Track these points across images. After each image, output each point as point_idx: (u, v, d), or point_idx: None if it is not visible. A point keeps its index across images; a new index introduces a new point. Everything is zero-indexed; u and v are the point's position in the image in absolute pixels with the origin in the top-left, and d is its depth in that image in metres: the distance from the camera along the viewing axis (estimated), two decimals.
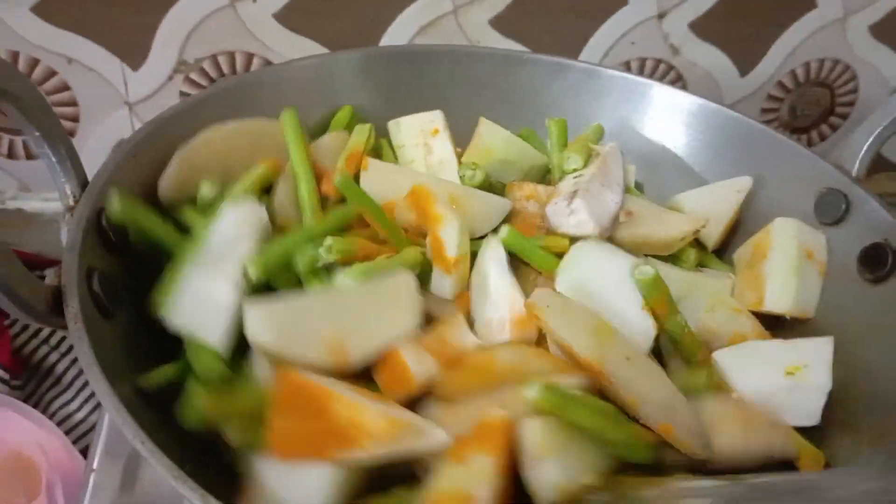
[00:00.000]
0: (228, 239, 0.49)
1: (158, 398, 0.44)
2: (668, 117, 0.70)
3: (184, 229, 0.53)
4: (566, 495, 0.41)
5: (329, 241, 0.50)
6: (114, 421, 0.36)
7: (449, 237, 0.53)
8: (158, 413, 0.42)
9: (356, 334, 0.46)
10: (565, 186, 0.59)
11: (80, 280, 0.44)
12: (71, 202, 0.49)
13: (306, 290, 0.50)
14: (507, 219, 0.60)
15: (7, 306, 0.39)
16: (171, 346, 0.48)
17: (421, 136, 0.66)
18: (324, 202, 0.58)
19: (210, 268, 0.47)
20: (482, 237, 0.57)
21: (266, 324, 0.43)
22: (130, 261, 0.50)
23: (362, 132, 0.64)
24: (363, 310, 0.48)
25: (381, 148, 0.68)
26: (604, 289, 0.52)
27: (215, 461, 0.44)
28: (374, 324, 0.47)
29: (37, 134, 0.47)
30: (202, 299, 0.46)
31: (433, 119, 0.67)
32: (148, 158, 0.54)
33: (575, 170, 0.62)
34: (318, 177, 0.58)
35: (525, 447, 0.42)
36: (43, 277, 0.86)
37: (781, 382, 0.51)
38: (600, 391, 0.47)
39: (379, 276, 0.50)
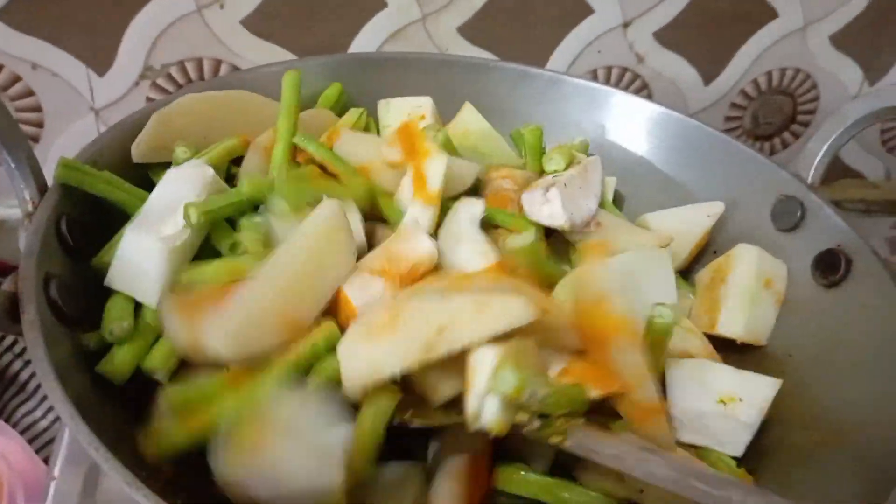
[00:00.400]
0: (170, 200, 0.50)
1: (116, 406, 0.44)
2: (630, 125, 0.71)
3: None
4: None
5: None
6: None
7: (434, 171, 0.54)
8: (116, 421, 0.42)
9: (304, 302, 0.46)
10: (544, 181, 0.60)
11: (38, 286, 0.43)
12: (30, 208, 0.48)
13: (248, 274, 0.47)
14: (479, 191, 0.61)
15: None
16: None
17: (407, 118, 0.66)
18: None
19: (146, 227, 0.48)
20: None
21: (225, 340, 0.42)
22: (91, 267, 0.50)
23: (353, 114, 0.66)
24: (304, 273, 0.47)
25: (369, 129, 0.69)
26: None
27: (174, 468, 0.44)
28: (317, 282, 0.47)
29: None
30: (135, 259, 0.47)
31: (422, 104, 0.67)
32: (110, 164, 0.54)
33: (555, 171, 0.62)
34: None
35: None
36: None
37: (712, 408, 0.51)
38: None
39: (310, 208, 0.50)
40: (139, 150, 0.56)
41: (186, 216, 0.49)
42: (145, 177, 0.57)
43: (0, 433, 0.70)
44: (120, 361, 0.46)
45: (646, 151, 0.70)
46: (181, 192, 0.50)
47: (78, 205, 0.51)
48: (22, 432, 0.81)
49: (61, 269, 0.47)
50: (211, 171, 0.53)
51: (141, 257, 0.47)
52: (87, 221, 0.51)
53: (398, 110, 0.68)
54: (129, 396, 0.45)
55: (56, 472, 0.57)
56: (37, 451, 0.73)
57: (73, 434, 0.36)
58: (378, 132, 0.69)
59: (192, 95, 0.60)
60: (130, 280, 0.48)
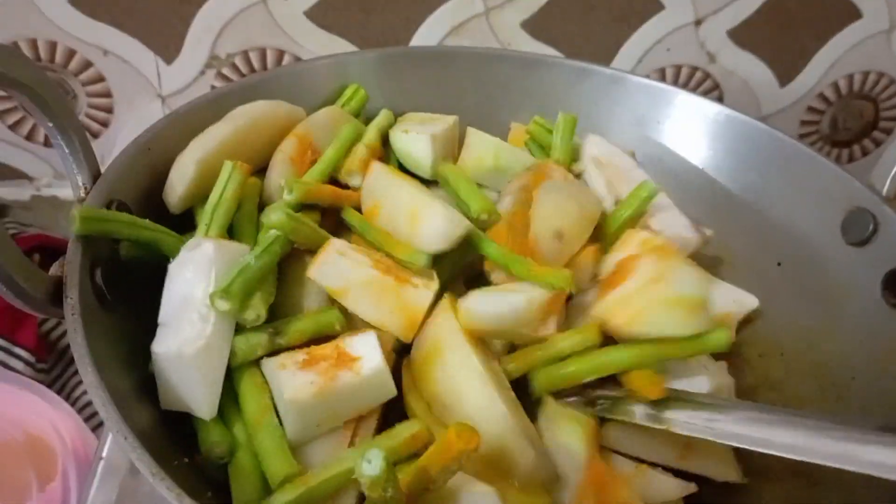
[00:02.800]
0: (182, 296, 0.46)
1: (152, 398, 0.44)
2: (693, 127, 0.68)
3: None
4: None
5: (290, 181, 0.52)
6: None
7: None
8: (149, 412, 0.43)
9: None
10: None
11: (83, 271, 0.44)
12: (82, 193, 0.49)
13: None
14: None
15: (4, 293, 0.40)
16: None
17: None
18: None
19: (167, 338, 0.44)
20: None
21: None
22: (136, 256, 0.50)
23: (387, 117, 0.65)
24: None
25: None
26: None
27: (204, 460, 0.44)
28: None
29: (49, 124, 0.47)
30: (173, 378, 0.44)
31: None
32: (162, 151, 0.55)
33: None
34: (306, 150, 0.59)
35: None
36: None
37: None
38: None
39: None
40: (179, 202, 0.54)
41: (216, 308, 0.45)
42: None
43: (55, 408, 0.72)
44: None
45: (709, 156, 0.67)
46: (191, 285, 0.46)
47: (128, 191, 0.51)
48: (80, 410, 0.83)
49: (108, 255, 0.48)
50: (210, 244, 0.48)
51: (176, 374, 0.43)
52: (135, 208, 0.52)
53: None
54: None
55: (104, 452, 0.58)
56: (93, 430, 0.75)
57: (104, 419, 0.36)
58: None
59: (220, 128, 0.57)
60: (181, 399, 0.44)
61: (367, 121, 0.66)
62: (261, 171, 0.58)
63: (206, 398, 0.44)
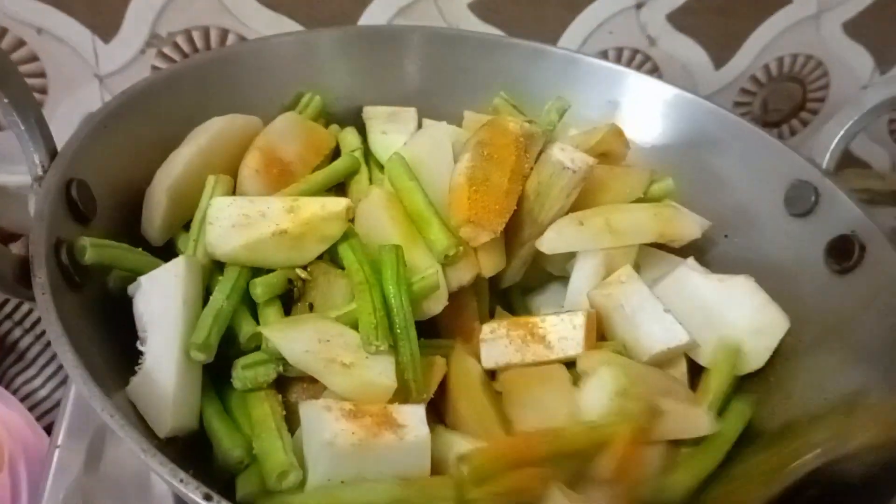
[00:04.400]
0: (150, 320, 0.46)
1: (127, 370, 0.43)
2: (644, 106, 0.70)
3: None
4: None
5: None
6: (81, 394, 0.35)
7: None
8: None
9: None
10: None
11: (49, 251, 0.43)
12: (39, 172, 0.47)
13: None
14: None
15: None
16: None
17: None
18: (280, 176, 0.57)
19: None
20: None
21: None
22: (98, 233, 0.49)
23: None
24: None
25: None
26: None
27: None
28: None
29: (5, 101, 0.46)
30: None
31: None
32: (119, 130, 0.53)
33: None
34: (271, 161, 0.57)
35: None
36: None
37: None
38: None
39: None
40: (159, 233, 0.53)
41: (193, 357, 0.45)
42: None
43: (3, 403, 0.69)
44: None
45: (659, 133, 0.69)
46: (159, 303, 0.46)
47: (87, 169, 0.50)
48: (21, 400, 0.80)
49: (71, 234, 0.46)
50: (181, 261, 0.47)
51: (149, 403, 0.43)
52: (95, 187, 0.50)
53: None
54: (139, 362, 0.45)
55: (60, 440, 0.56)
56: (36, 420, 0.72)
57: (88, 400, 0.35)
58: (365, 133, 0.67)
59: (183, 153, 0.55)
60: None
61: (326, 121, 0.66)
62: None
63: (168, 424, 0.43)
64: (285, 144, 0.59)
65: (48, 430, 0.70)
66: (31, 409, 0.81)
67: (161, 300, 0.45)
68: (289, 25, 0.83)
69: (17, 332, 0.82)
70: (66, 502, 0.55)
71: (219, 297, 0.47)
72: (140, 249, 0.49)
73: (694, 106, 0.68)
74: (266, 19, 0.82)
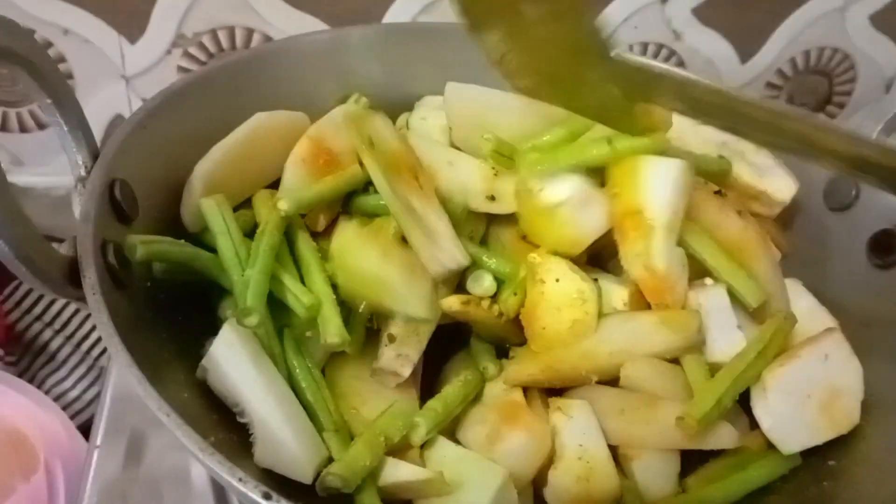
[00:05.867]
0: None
1: (181, 368, 0.43)
2: None
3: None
4: None
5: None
6: (119, 394, 0.35)
7: None
8: (179, 384, 0.42)
9: None
10: None
11: (96, 251, 0.43)
12: (83, 172, 0.47)
13: None
14: None
15: (23, 275, 0.38)
16: (183, 315, 0.48)
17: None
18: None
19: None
20: None
21: None
22: (139, 233, 0.49)
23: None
24: None
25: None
26: None
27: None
28: None
29: (48, 101, 0.46)
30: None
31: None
32: (157, 130, 0.53)
33: None
34: (319, 152, 0.57)
35: None
36: None
37: None
38: None
39: None
40: (192, 219, 0.53)
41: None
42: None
43: (37, 404, 0.70)
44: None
45: None
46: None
47: (128, 170, 0.50)
48: (55, 399, 0.80)
49: (115, 234, 0.46)
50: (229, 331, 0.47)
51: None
52: (136, 187, 0.50)
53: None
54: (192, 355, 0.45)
55: (98, 440, 0.56)
56: (72, 417, 0.72)
57: (144, 400, 0.35)
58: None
59: (223, 144, 0.55)
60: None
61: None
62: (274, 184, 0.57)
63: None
64: (337, 134, 0.58)
65: (80, 429, 0.71)
66: (66, 406, 0.81)
67: (232, 374, 0.45)
68: (312, 23, 0.82)
69: (48, 334, 0.83)
70: (105, 502, 0.55)
71: (248, 271, 0.47)
72: (183, 241, 0.49)
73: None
74: (290, 18, 0.82)
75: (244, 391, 0.44)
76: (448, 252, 0.51)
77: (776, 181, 0.60)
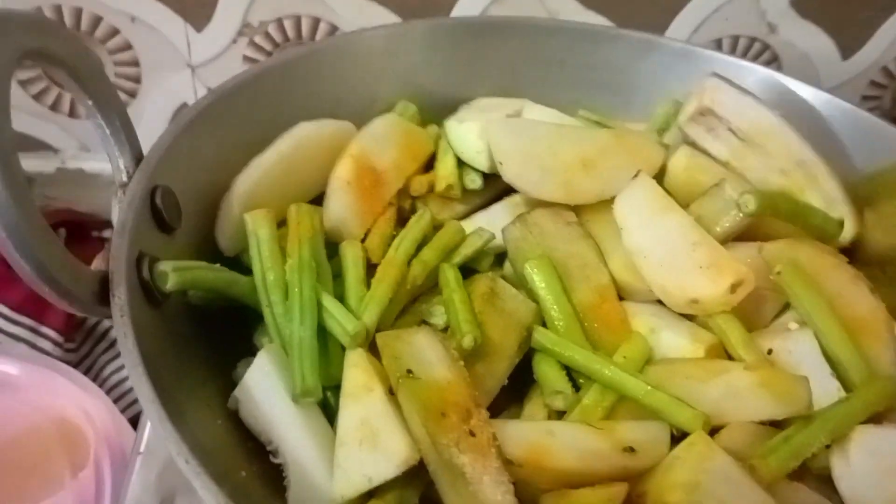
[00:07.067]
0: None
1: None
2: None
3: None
4: None
5: None
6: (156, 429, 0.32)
7: None
8: (214, 408, 0.40)
9: None
10: None
11: (129, 266, 0.41)
12: (124, 178, 0.46)
13: None
14: None
15: (47, 295, 0.36)
16: (222, 331, 0.45)
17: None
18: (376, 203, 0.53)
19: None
20: None
21: None
22: (181, 242, 0.47)
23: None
24: None
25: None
26: None
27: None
28: None
29: (89, 103, 0.44)
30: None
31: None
32: (204, 133, 0.51)
33: None
34: (365, 172, 0.53)
35: None
36: (99, 240, 0.86)
37: None
38: None
39: None
40: (231, 243, 0.50)
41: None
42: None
43: (85, 391, 0.69)
44: None
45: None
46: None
47: (172, 175, 0.48)
48: (110, 390, 0.81)
49: (153, 246, 0.44)
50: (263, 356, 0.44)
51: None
52: (180, 193, 0.48)
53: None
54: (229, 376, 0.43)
55: (142, 447, 0.55)
56: (123, 410, 0.72)
57: (163, 439, 0.33)
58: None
59: (264, 159, 0.52)
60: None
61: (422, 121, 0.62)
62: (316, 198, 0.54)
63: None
64: (381, 150, 0.55)
65: (133, 421, 0.70)
66: (119, 398, 0.82)
67: (266, 409, 0.42)
68: (380, 14, 0.79)
69: (108, 321, 0.82)
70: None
71: (295, 327, 0.44)
72: (219, 266, 0.46)
73: (818, 100, 0.61)
74: (357, 7, 0.79)
75: (279, 429, 0.41)
76: None
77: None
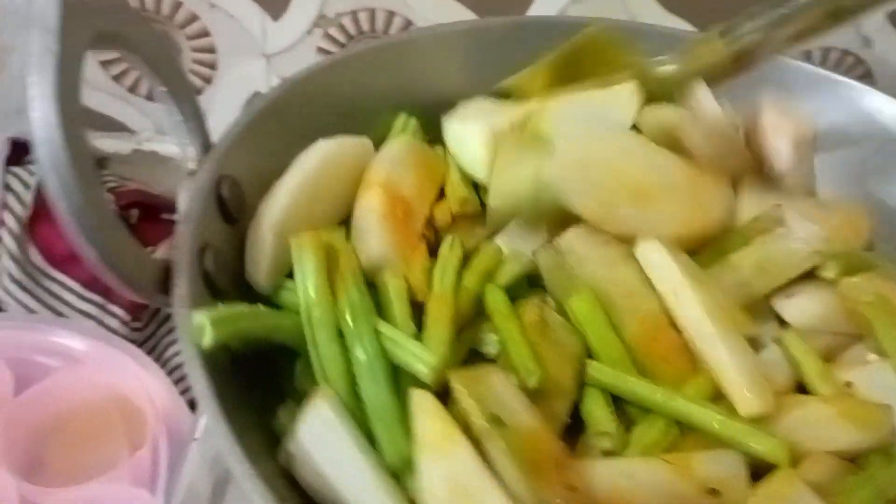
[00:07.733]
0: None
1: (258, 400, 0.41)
2: (851, 119, 0.61)
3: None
4: None
5: None
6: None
7: None
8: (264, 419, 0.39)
9: None
10: None
11: (192, 257, 0.40)
12: (192, 166, 0.46)
13: None
14: None
15: (109, 280, 0.36)
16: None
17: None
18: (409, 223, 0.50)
19: None
20: None
21: None
22: (242, 235, 0.47)
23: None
24: None
25: None
26: None
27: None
28: None
29: (163, 89, 0.44)
30: None
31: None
32: (272, 123, 0.51)
33: None
34: (396, 202, 0.49)
35: None
36: (170, 221, 0.87)
37: None
38: None
39: None
40: (267, 278, 0.45)
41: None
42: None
43: (149, 373, 0.70)
44: None
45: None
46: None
47: (238, 166, 0.47)
48: (172, 370, 0.82)
49: (218, 237, 0.44)
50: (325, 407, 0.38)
51: None
52: (245, 184, 0.48)
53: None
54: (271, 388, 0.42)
55: (198, 433, 0.55)
56: (182, 392, 0.73)
57: (217, 442, 0.32)
58: None
59: (289, 184, 0.47)
60: None
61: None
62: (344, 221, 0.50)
63: None
64: (404, 176, 0.50)
65: (192, 404, 0.71)
66: (179, 380, 0.82)
67: (330, 461, 0.37)
68: (456, 9, 0.78)
69: None
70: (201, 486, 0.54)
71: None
72: (261, 308, 0.42)
73: None
74: (432, 2, 0.78)
75: (350, 488, 0.36)
76: None
77: None
